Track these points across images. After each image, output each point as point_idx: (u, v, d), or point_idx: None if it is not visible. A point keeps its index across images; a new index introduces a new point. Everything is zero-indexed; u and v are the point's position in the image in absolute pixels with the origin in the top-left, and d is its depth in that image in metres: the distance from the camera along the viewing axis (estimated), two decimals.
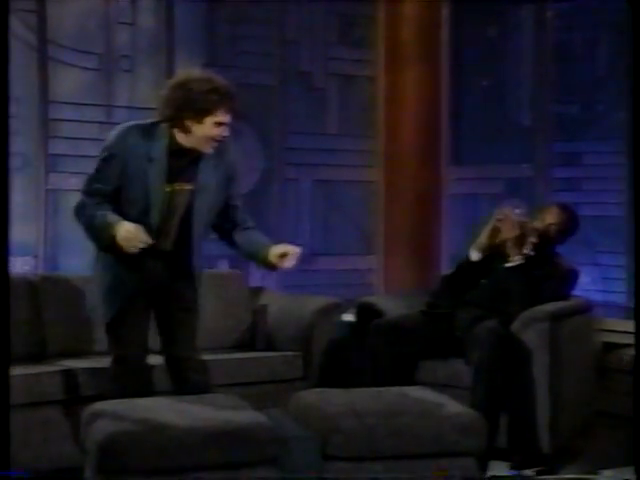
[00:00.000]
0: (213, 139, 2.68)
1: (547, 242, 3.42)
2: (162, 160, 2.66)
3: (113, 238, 2.60)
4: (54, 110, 3.98)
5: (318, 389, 2.92)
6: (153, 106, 4.18)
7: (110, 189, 2.66)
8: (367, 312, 3.66)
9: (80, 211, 2.69)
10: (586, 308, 3.59)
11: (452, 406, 2.70)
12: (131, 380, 2.79)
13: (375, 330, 3.38)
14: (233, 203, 2.85)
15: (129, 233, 2.58)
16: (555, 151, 4.49)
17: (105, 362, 3.23)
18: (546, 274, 3.35)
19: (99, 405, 2.58)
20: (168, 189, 2.68)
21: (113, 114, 4.16)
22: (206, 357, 2.98)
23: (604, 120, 4.36)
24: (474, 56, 4.78)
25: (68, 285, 3.54)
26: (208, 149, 2.70)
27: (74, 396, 3.09)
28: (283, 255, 2.75)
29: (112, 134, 2.72)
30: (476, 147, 4.76)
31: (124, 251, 2.61)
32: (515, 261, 3.34)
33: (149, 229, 2.64)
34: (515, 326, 3.20)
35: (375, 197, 4.82)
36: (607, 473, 3.04)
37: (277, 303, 3.83)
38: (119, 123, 4.13)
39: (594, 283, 4.27)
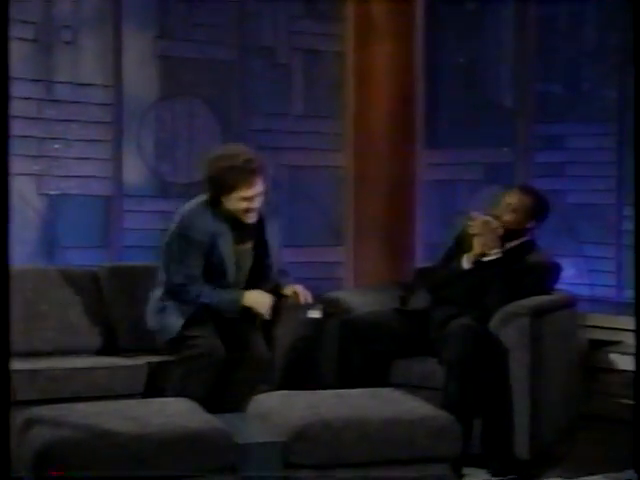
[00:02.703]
0: (244, 212, 3.16)
1: (515, 231, 3.43)
2: (226, 230, 3.19)
3: (242, 306, 3.21)
4: None
5: (280, 391, 2.93)
6: (98, 82, 4.27)
7: (201, 270, 3.18)
8: (335, 308, 3.67)
9: (188, 296, 3.19)
10: (570, 303, 3.63)
11: (425, 409, 2.73)
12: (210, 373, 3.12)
13: (344, 327, 3.39)
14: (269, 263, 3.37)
15: (261, 300, 3.22)
16: (538, 134, 4.53)
17: (42, 364, 3.21)
18: (525, 268, 3.39)
19: (36, 410, 2.56)
20: (235, 251, 3.24)
21: (53, 90, 4.11)
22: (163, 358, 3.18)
23: (590, 100, 4.42)
24: (451, 31, 4.80)
25: None
26: (246, 220, 3.19)
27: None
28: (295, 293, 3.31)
29: (182, 219, 3.19)
30: (453, 130, 4.79)
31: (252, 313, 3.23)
32: (493, 255, 3.37)
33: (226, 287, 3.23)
34: (494, 322, 3.23)
35: (344, 184, 4.83)
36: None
37: None
38: (59, 100, 4.20)
39: (580, 276, 4.33)
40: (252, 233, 3.29)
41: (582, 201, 4.38)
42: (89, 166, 4.21)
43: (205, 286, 3.21)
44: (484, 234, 3.35)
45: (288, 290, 3.34)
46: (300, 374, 3.50)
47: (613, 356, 3.97)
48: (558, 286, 3.63)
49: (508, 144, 4.60)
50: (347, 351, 3.32)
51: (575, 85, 4.49)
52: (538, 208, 3.48)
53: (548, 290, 3.48)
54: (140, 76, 4.34)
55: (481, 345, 3.12)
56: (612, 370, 3.93)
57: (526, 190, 3.52)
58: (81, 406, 2.65)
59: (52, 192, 4.13)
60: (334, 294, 3.84)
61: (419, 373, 3.34)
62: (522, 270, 3.38)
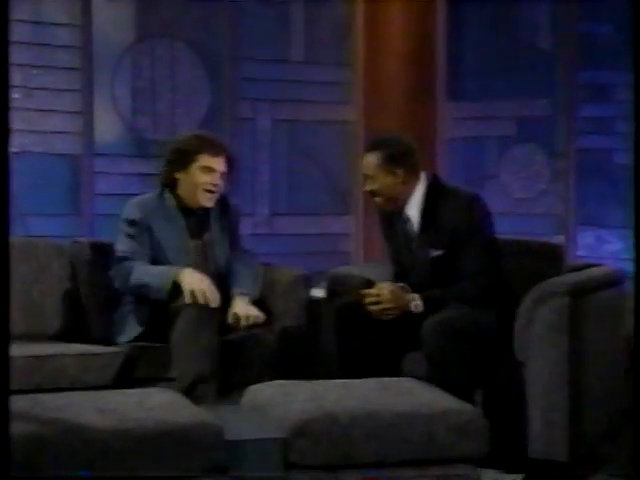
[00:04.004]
0: (204, 188, 3.40)
1: (393, 197, 3.41)
2: (180, 220, 3.44)
3: (171, 283, 3.27)
4: None
5: (279, 381, 2.96)
6: (63, 21, 4.27)
7: (144, 252, 3.40)
8: (341, 286, 3.69)
9: (122, 272, 3.38)
10: (617, 280, 3.65)
11: (447, 401, 2.76)
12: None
13: (350, 309, 3.42)
14: (243, 258, 3.56)
15: (197, 284, 3.24)
16: (581, 83, 4.53)
17: None
18: (449, 238, 3.35)
19: None
20: (189, 245, 3.46)
21: (12, 31, 4.11)
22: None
23: None
24: None
25: None
26: (204, 201, 3.42)
27: None
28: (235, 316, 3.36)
29: (129, 207, 3.45)
30: (480, 79, 4.80)
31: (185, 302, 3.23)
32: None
33: None
34: (526, 303, 3.25)
35: (352, 142, 4.84)
36: None
37: None
38: (19, 42, 4.21)
39: (628, 250, 4.35)
40: (203, 227, 3.49)
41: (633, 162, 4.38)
42: (54, 120, 4.23)
43: (143, 263, 3.38)
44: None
45: (231, 310, 3.36)
46: (301, 361, 3.54)
47: None
48: (602, 261, 3.64)
49: (546, 95, 4.60)
50: (354, 335, 3.34)
51: (624, 26, 4.48)
52: (389, 155, 3.37)
53: (491, 234, 3.44)
54: (113, 14, 4.35)
55: (463, 340, 3.15)
56: None
57: (368, 147, 3.45)
58: (48, 397, 2.68)
59: (11, 150, 4.14)
60: (340, 270, 3.87)
61: None
62: (449, 241, 3.33)
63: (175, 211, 3.45)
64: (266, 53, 4.73)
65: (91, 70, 4.28)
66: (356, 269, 3.95)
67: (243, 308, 3.35)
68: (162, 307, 3.33)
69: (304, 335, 3.60)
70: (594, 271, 3.59)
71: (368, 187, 3.42)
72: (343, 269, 3.90)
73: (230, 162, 3.47)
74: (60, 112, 4.23)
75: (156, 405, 2.60)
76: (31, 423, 2.42)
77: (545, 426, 3.20)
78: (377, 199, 3.43)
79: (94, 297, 3.65)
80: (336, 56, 4.84)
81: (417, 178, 3.42)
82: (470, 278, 3.34)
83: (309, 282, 3.76)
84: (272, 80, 4.75)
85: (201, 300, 3.22)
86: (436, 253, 3.36)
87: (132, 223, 3.41)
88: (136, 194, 3.63)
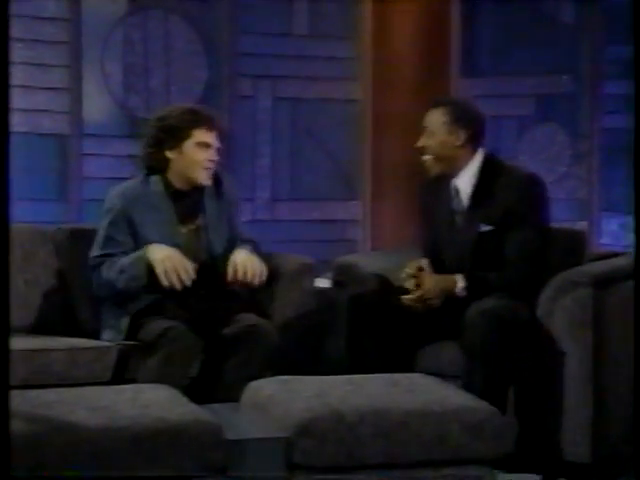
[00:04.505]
0: (200, 165, 3.36)
1: (448, 157, 3.42)
2: (167, 205, 3.40)
3: (148, 266, 3.26)
4: None
5: (281, 377, 2.97)
6: None
7: (122, 251, 3.35)
8: (347, 276, 3.70)
9: (97, 282, 3.37)
10: None
11: (461, 398, 2.77)
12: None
13: (358, 300, 3.43)
14: (242, 237, 3.53)
15: (169, 258, 3.26)
16: (607, 58, 4.52)
17: None
18: (501, 218, 3.34)
19: None
20: (180, 231, 3.42)
21: None
22: None
23: None
24: None
25: None
26: (203, 179, 3.39)
27: None
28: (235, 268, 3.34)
29: (110, 197, 3.42)
30: (498, 53, 4.79)
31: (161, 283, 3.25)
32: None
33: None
34: (547, 293, 3.27)
35: (359, 122, 4.84)
36: None
37: None
38: None
39: None
40: (196, 210, 3.44)
41: None
42: (40, 97, 4.23)
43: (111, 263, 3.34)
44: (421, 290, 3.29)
45: (231, 261, 3.34)
46: (305, 355, 3.55)
47: None
48: (628, 250, 3.63)
49: (568, 71, 4.60)
50: (357, 336, 3.34)
51: None
52: (457, 115, 3.44)
53: (546, 220, 3.45)
54: None
55: (508, 332, 3.14)
56: None
57: (437, 103, 3.50)
58: (35, 393, 2.69)
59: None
60: (346, 259, 3.88)
61: (452, 359, 3.36)
62: (500, 223, 3.33)
63: (162, 196, 3.40)
64: (267, 26, 4.72)
65: (80, 44, 4.28)
66: (363, 258, 3.96)
67: (243, 257, 3.34)
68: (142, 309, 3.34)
69: (308, 328, 3.61)
70: (619, 260, 3.59)
71: (422, 142, 3.44)
72: (350, 258, 3.92)
73: (222, 135, 3.45)
74: (46, 89, 4.24)
75: (150, 402, 2.62)
76: (17, 421, 2.43)
77: (567, 426, 3.21)
78: (426, 157, 3.43)
79: (81, 288, 3.65)
80: (342, 29, 4.83)
81: (475, 150, 3.46)
82: (513, 264, 3.33)
83: (313, 272, 3.77)
84: (273, 55, 4.75)
85: (175, 280, 3.22)
86: (486, 228, 3.35)
87: (111, 218, 3.37)
88: (127, 177, 3.64)
